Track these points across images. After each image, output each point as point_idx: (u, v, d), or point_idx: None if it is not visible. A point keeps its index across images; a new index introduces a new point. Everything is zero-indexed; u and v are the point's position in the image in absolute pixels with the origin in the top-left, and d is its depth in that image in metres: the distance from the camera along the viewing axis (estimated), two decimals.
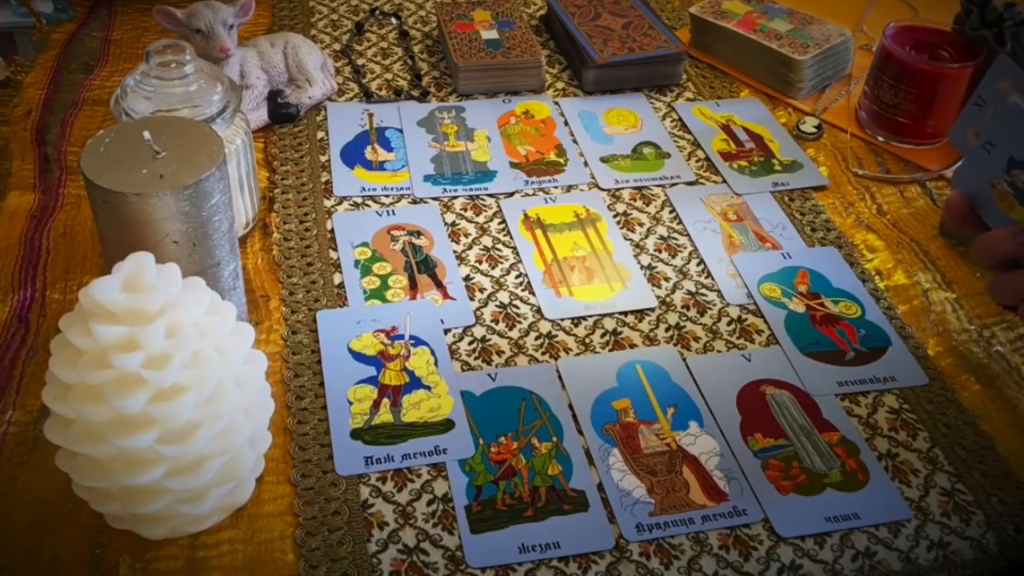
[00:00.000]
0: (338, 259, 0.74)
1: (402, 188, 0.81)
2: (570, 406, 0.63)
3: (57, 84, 0.91)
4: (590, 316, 0.71)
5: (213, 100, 0.67)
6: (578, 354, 0.68)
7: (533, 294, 0.72)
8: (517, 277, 0.74)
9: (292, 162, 0.83)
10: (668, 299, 0.72)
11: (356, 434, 0.61)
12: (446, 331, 0.69)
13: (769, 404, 0.64)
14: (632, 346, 0.68)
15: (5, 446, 0.59)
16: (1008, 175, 0.57)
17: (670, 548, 0.55)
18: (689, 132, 0.90)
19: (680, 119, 0.92)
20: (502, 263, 0.75)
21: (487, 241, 0.77)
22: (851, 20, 1.07)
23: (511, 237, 0.77)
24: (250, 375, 0.53)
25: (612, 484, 0.58)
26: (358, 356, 0.66)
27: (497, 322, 0.70)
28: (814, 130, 0.91)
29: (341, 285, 0.72)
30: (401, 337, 0.67)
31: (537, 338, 0.69)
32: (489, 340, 0.68)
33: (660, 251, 0.77)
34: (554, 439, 0.61)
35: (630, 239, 0.78)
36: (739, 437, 0.62)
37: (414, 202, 0.80)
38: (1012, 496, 0.59)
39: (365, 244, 0.75)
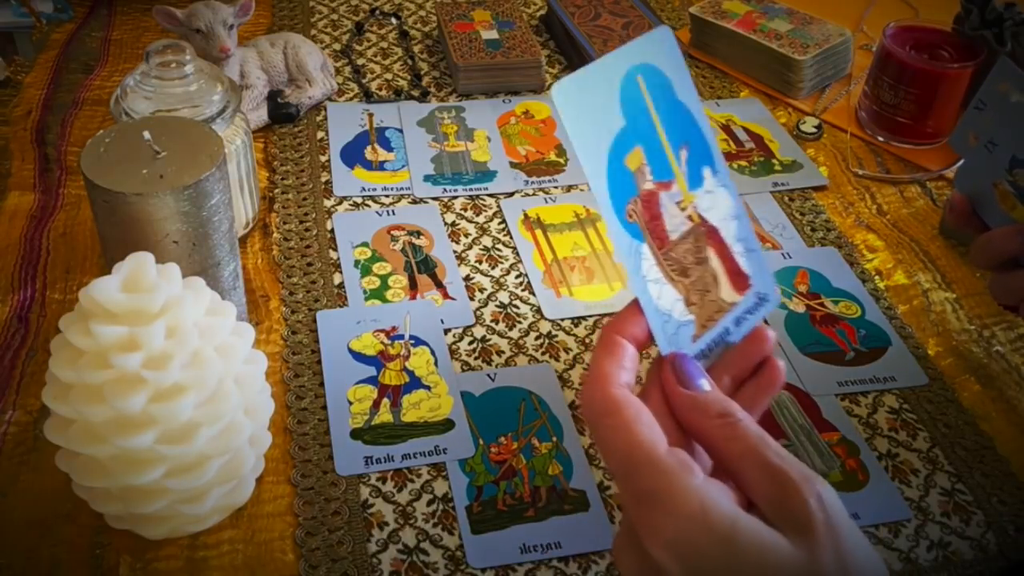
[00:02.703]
0: (338, 259, 0.74)
1: (402, 188, 0.81)
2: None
3: (57, 84, 0.91)
4: (590, 316, 0.71)
5: (213, 100, 0.67)
6: (577, 354, 0.68)
7: (533, 294, 0.72)
8: (517, 277, 0.74)
9: (292, 162, 0.83)
10: None
11: (356, 434, 0.61)
12: (446, 331, 0.69)
13: (769, 404, 0.64)
14: None
15: (5, 446, 0.59)
16: (1010, 174, 0.57)
17: None
18: None
19: None
20: (502, 263, 0.75)
21: (487, 241, 0.77)
22: (851, 20, 1.07)
23: (511, 237, 0.77)
24: (250, 375, 0.53)
25: (653, 306, 0.42)
26: (358, 356, 0.66)
27: (497, 322, 0.70)
28: (814, 130, 0.91)
29: (341, 285, 0.72)
30: (401, 337, 0.67)
31: (537, 338, 0.69)
32: (489, 340, 0.68)
33: None
34: (554, 439, 0.61)
35: None
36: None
37: (414, 202, 0.80)
38: (1012, 496, 0.59)
39: (365, 244, 0.75)
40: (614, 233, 0.42)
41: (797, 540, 0.35)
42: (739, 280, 0.45)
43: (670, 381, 0.40)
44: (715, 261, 0.45)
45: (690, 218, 0.44)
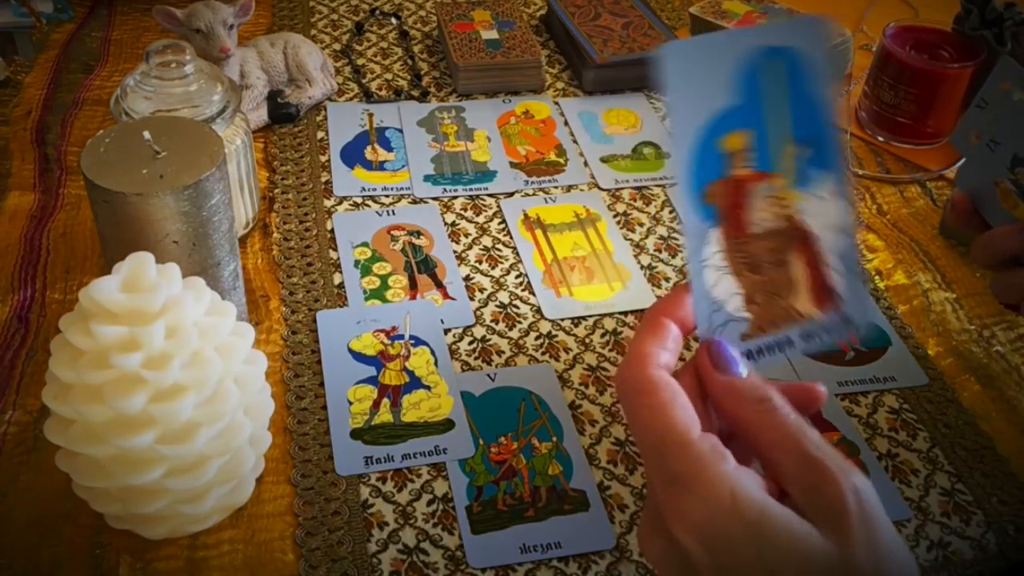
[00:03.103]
0: (338, 259, 0.74)
1: (402, 188, 0.81)
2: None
3: (57, 84, 0.91)
4: (590, 316, 0.71)
5: (213, 100, 0.67)
6: (577, 354, 0.67)
7: (533, 294, 0.72)
8: (517, 277, 0.74)
9: (292, 162, 0.83)
10: None
11: (356, 434, 0.61)
12: (446, 331, 0.69)
13: None
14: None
15: (5, 446, 0.59)
16: (1012, 173, 0.57)
17: None
18: None
19: None
20: (502, 263, 0.75)
21: (487, 241, 0.77)
22: (851, 20, 1.07)
23: (511, 237, 0.77)
24: (250, 375, 0.53)
25: (703, 292, 0.40)
26: (358, 356, 0.66)
27: (497, 322, 0.70)
28: None
29: (341, 285, 0.72)
30: (401, 337, 0.67)
31: (537, 338, 0.69)
32: (489, 340, 0.68)
33: (660, 251, 0.77)
34: (554, 439, 0.61)
35: (630, 239, 0.78)
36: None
37: (414, 202, 0.80)
38: (1012, 496, 0.59)
39: (365, 244, 0.75)
40: (684, 211, 0.40)
41: (829, 532, 0.34)
42: (824, 295, 0.42)
43: (706, 366, 0.39)
44: (799, 268, 0.42)
45: (786, 217, 0.42)
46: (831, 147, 0.42)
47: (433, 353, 0.66)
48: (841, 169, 0.42)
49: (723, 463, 0.36)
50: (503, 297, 0.72)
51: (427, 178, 0.82)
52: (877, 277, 0.76)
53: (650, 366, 0.38)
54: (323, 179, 0.82)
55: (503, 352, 0.67)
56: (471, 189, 0.82)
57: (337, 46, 0.99)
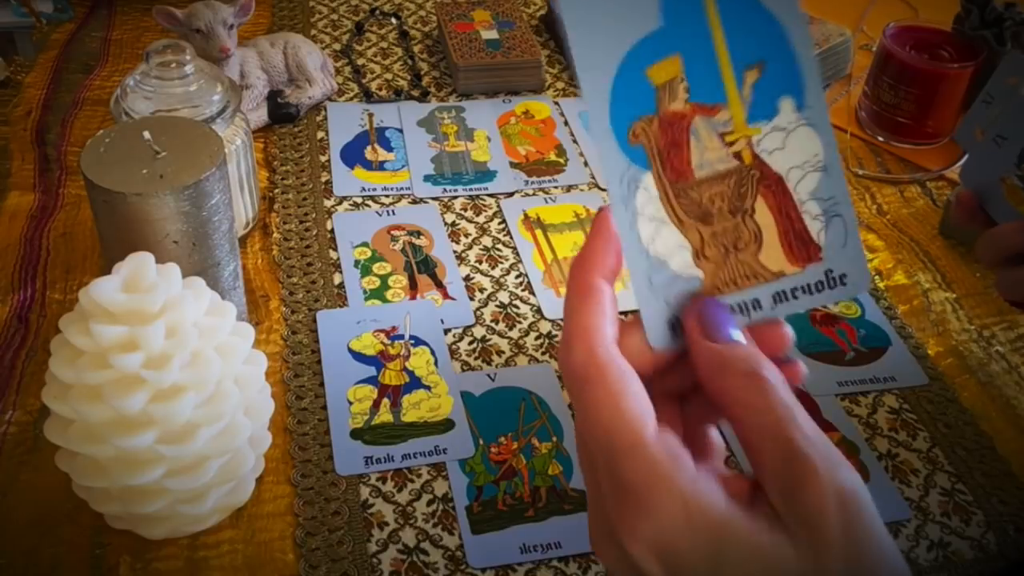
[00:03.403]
0: (338, 259, 0.74)
1: (402, 188, 0.81)
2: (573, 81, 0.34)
3: (57, 84, 0.91)
4: None
5: (213, 100, 0.67)
6: None
7: (533, 294, 0.72)
8: (517, 277, 0.74)
9: (292, 162, 0.83)
10: None
11: (356, 434, 0.61)
12: (446, 331, 0.69)
13: None
14: None
15: (5, 446, 0.59)
16: (1019, 169, 0.57)
17: None
18: None
19: None
20: (502, 263, 0.75)
21: (487, 241, 0.77)
22: (851, 20, 1.07)
23: (511, 237, 0.77)
24: (250, 375, 0.53)
25: (638, 248, 0.34)
26: (358, 356, 0.66)
27: (497, 322, 0.70)
28: None
29: (341, 285, 0.72)
30: (401, 337, 0.67)
31: (537, 338, 0.69)
32: (489, 340, 0.68)
33: None
34: (554, 439, 0.61)
35: None
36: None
37: (414, 202, 0.80)
38: (1012, 496, 0.59)
39: (365, 244, 0.75)
40: (604, 152, 0.34)
41: (805, 543, 0.30)
42: (800, 247, 0.36)
43: (693, 329, 0.34)
44: (764, 215, 0.35)
45: (738, 156, 0.35)
46: (790, 66, 0.35)
47: (433, 353, 0.66)
48: (809, 92, 0.35)
49: (678, 471, 0.31)
50: (503, 297, 0.72)
51: (427, 178, 0.82)
52: (877, 277, 0.76)
53: (595, 344, 0.33)
54: (323, 179, 0.82)
55: (503, 352, 0.67)
56: (471, 189, 0.82)
57: (337, 46, 0.99)
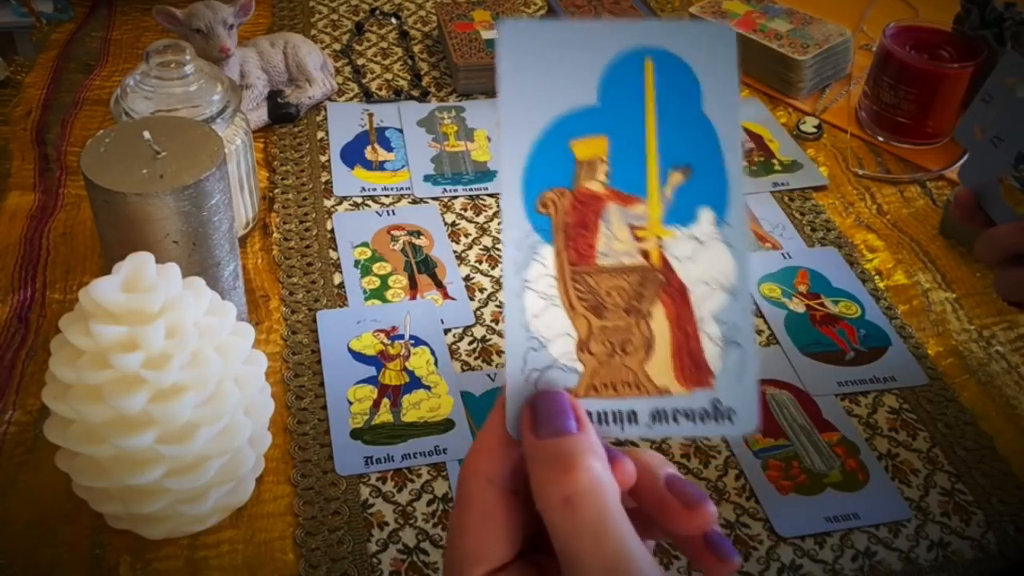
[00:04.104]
0: (338, 259, 0.74)
1: (402, 188, 0.81)
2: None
3: (57, 84, 0.91)
4: None
5: (213, 100, 0.67)
6: None
7: None
8: None
9: (292, 162, 0.83)
10: None
11: (356, 434, 0.61)
12: (446, 331, 0.69)
13: (769, 404, 0.64)
14: None
15: (5, 446, 0.59)
16: (1016, 170, 0.57)
17: (670, 547, 0.55)
18: None
19: None
20: (502, 263, 0.75)
21: (487, 241, 0.77)
22: (851, 20, 1.07)
23: None
24: (250, 375, 0.53)
25: (519, 322, 0.32)
26: (358, 356, 0.66)
27: (497, 322, 0.70)
28: (814, 130, 0.91)
29: (341, 285, 0.72)
30: (401, 337, 0.67)
31: None
32: (489, 340, 0.68)
33: None
34: None
35: None
36: (739, 437, 0.62)
37: (414, 202, 0.80)
38: (1012, 496, 0.59)
39: (365, 244, 0.75)
40: (508, 213, 0.32)
41: None
42: (692, 368, 0.33)
43: (525, 423, 0.32)
44: (662, 324, 0.33)
45: (646, 254, 0.33)
46: (717, 179, 0.33)
47: (433, 353, 0.66)
48: (732, 209, 0.33)
49: None
50: (503, 297, 0.72)
51: (427, 178, 0.82)
52: (877, 277, 0.76)
53: (479, 471, 0.32)
54: (323, 179, 0.82)
55: (503, 352, 0.67)
56: (471, 189, 0.82)
57: (337, 46, 0.99)
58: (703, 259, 0.33)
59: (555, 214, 0.33)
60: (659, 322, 0.33)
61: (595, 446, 0.31)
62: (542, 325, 0.32)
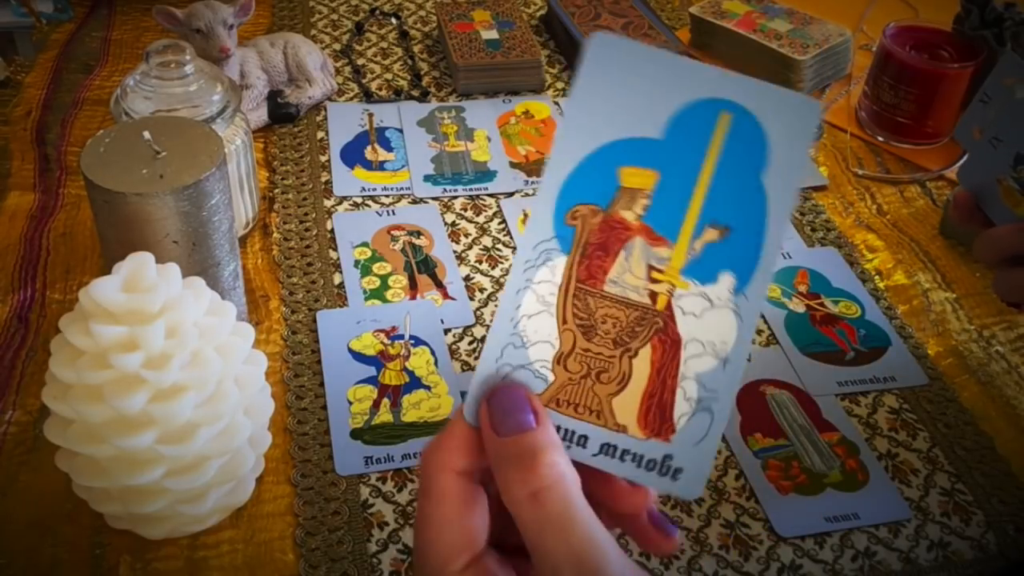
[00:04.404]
0: (338, 259, 0.74)
1: (402, 188, 0.81)
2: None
3: (57, 84, 0.91)
4: None
5: (213, 100, 0.67)
6: None
7: None
8: None
9: (292, 162, 0.83)
10: None
11: (356, 434, 0.61)
12: (446, 331, 0.69)
13: (769, 404, 0.64)
14: None
15: (5, 446, 0.59)
16: (1015, 171, 0.57)
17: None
18: None
19: None
20: (502, 263, 0.75)
21: (487, 241, 0.77)
22: (851, 20, 1.07)
23: (511, 237, 0.77)
24: (250, 375, 0.53)
25: (508, 317, 0.34)
26: (358, 356, 0.66)
27: None
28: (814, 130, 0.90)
29: (341, 285, 0.72)
30: (401, 337, 0.67)
31: None
32: None
33: None
34: None
35: None
36: (739, 437, 0.62)
37: (414, 202, 0.80)
38: (1012, 496, 0.59)
39: (365, 244, 0.75)
40: (537, 214, 0.33)
41: None
42: (656, 417, 0.33)
43: (484, 418, 0.32)
44: (644, 367, 0.33)
45: (654, 296, 0.33)
46: (751, 249, 0.33)
47: (433, 353, 0.66)
48: (754, 284, 0.33)
49: None
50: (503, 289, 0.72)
51: (427, 178, 0.82)
52: (877, 277, 0.76)
53: (448, 465, 0.32)
54: (323, 179, 0.82)
55: None
56: (471, 189, 0.82)
57: (337, 46, 0.99)
58: (708, 320, 0.33)
59: (581, 229, 0.33)
60: (642, 363, 0.33)
61: (555, 439, 0.32)
62: (530, 326, 0.33)
